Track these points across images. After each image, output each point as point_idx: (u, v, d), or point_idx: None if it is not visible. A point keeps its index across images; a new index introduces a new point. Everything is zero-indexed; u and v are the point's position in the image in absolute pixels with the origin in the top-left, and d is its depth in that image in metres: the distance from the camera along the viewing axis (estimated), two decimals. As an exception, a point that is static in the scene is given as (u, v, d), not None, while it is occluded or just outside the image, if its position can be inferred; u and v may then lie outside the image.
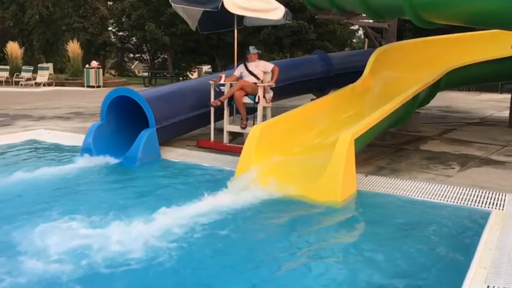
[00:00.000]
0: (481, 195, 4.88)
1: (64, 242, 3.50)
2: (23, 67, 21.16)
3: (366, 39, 16.35)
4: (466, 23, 6.77)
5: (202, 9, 7.80)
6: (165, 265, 3.29)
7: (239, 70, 7.31)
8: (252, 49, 7.32)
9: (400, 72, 7.86)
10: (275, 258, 3.50)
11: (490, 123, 10.71)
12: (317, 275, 3.24)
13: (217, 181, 5.37)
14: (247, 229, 4.13)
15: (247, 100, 7.02)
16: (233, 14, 7.46)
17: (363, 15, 9.20)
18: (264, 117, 6.95)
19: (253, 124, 6.66)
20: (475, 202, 4.70)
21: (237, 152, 5.93)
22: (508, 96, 12.01)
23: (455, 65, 8.43)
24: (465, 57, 8.84)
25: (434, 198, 4.83)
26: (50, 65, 22.83)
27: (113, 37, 32.61)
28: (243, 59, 7.58)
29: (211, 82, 7.18)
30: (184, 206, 4.36)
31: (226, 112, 7.18)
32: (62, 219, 4.03)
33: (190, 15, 8.42)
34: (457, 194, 4.92)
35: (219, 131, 7.33)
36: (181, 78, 23.61)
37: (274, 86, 7.16)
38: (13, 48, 22.09)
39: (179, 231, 3.83)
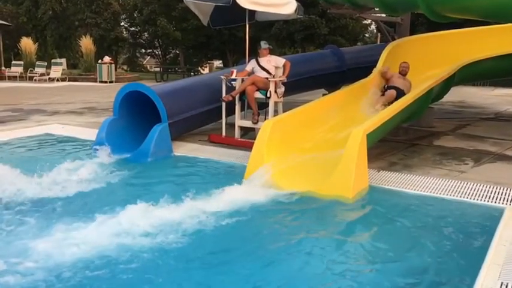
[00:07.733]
0: (495, 191, 4.83)
1: (69, 241, 3.54)
2: (37, 62, 21.43)
3: (379, 34, 16.24)
4: (479, 17, 6.70)
5: (214, 4, 7.82)
6: (174, 257, 3.32)
7: (251, 65, 7.30)
8: (264, 44, 7.31)
9: (413, 66, 7.78)
10: (285, 254, 3.50)
11: (504, 118, 10.57)
12: (329, 270, 3.24)
13: (229, 176, 5.39)
14: (258, 224, 4.13)
15: (258, 95, 7.02)
16: (244, 9, 7.44)
17: (376, 9, 9.14)
18: (276, 112, 6.94)
19: (265, 119, 6.66)
20: (489, 198, 4.66)
21: (248, 147, 5.94)
22: (523, 91, 11.86)
23: (469, 59, 8.33)
24: (479, 51, 8.73)
25: (447, 194, 4.79)
26: (63, 60, 23.04)
27: (125, 32, 32.83)
28: (255, 54, 7.57)
29: (222, 77, 7.18)
30: (195, 200, 4.39)
31: (237, 107, 7.19)
32: (69, 212, 4.08)
33: (202, 10, 8.43)
34: (470, 190, 4.87)
35: (231, 126, 7.34)
36: (192, 74, 23.67)
37: (285, 81, 7.15)
38: (27, 43, 22.34)
39: (189, 225, 3.85)
